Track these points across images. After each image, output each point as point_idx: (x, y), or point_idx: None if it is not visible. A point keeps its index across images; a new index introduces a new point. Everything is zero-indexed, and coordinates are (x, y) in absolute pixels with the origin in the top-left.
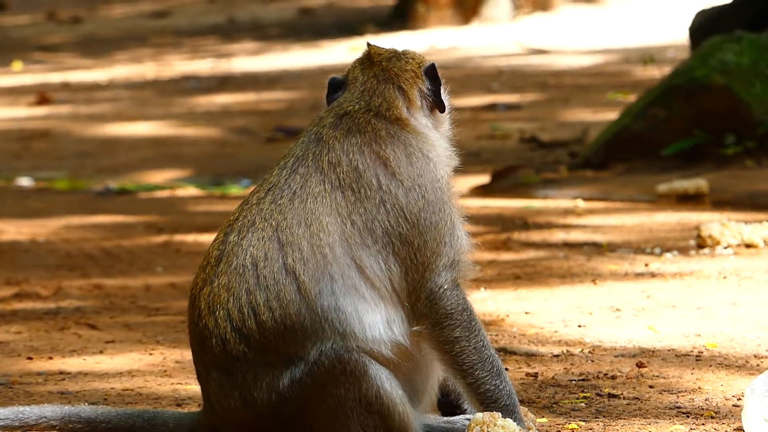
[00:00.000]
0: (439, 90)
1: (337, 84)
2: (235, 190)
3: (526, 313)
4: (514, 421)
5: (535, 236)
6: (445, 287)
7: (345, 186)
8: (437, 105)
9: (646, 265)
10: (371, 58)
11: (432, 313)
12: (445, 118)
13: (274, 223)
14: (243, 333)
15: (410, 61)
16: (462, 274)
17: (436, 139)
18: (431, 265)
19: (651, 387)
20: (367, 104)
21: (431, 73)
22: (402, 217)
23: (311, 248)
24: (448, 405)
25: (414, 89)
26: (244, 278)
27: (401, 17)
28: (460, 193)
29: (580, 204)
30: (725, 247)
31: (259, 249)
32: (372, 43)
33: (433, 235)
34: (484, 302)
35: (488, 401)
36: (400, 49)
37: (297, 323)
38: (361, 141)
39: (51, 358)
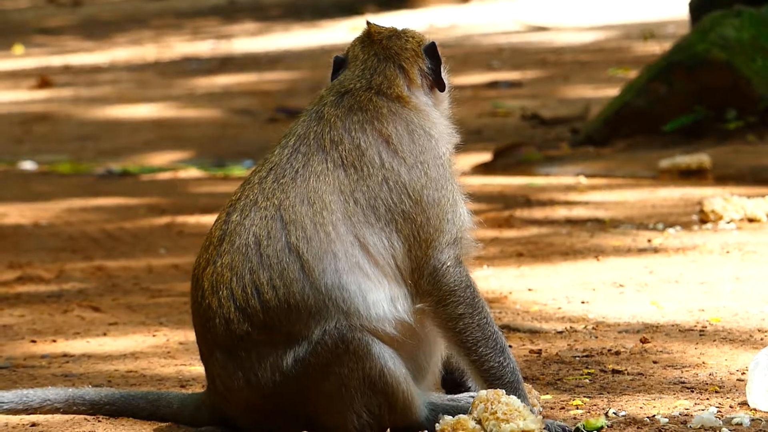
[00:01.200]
0: (440, 69)
1: (341, 62)
2: (238, 171)
3: (529, 290)
4: (518, 398)
5: (538, 213)
6: (448, 264)
7: (347, 164)
8: (437, 83)
9: (649, 240)
10: (371, 37)
11: (435, 290)
12: (445, 96)
13: (276, 201)
14: (247, 312)
15: (410, 39)
16: (465, 251)
17: (436, 116)
18: (434, 242)
19: (655, 362)
20: (368, 82)
21: (431, 51)
22: (405, 194)
23: (314, 226)
24: (452, 382)
25: (414, 68)
26: (247, 257)
27: None
28: (462, 171)
29: (583, 180)
30: (728, 222)
31: (262, 228)
32: (372, 21)
33: (435, 212)
34: (487, 279)
35: (492, 378)
36: (399, 27)
37: (301, 302)
38: (362, 119)
39: (54, 340)
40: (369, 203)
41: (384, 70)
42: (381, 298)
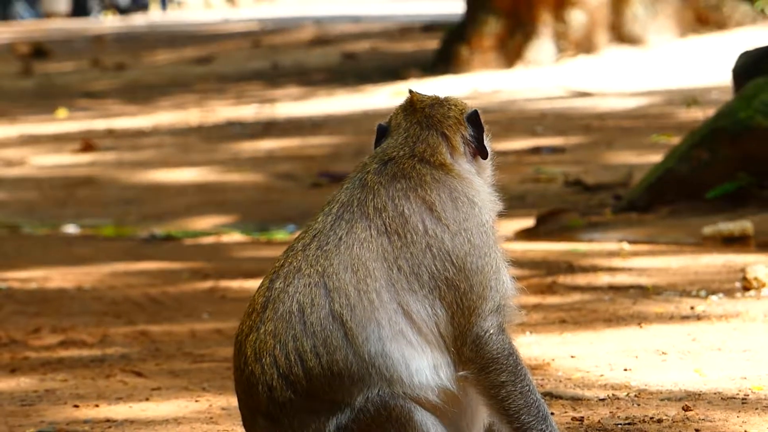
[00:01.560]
0: (482, 136)
1: (384, 130)
2: (281, 235)
3: (572, 356)
4: None
5: (581, 279)
6: (491, 332)
7: (391, 231)
8: (480, 151)
9: (692, 307)
10: (414, 105)
11: (478, 358)
12: (488, 164)
13: (320, 269)
14: (290, 380)
15: (453, 107)
16: (507, 318)
17: (480, 184)
18: (477, 309)
19: (697, 431)
20: (411, 150)
21: (474, 119)
22: (448, 261)
23: (358, 294)
24: None
25: (457, 135)
26: (290, 324)
27: (445, 61)
28: (505, 237)
29: (626, 247)
30: None
31: (306, 295)
32: (414, 88)
33: (479, 279)
34: (530, 346)
35: None
36: (442, 95)
37: (344, 369)
38: (406, 186)
39: (97, 405)
40: (413, 270)
41: (427, 138)
42: (424, 366)
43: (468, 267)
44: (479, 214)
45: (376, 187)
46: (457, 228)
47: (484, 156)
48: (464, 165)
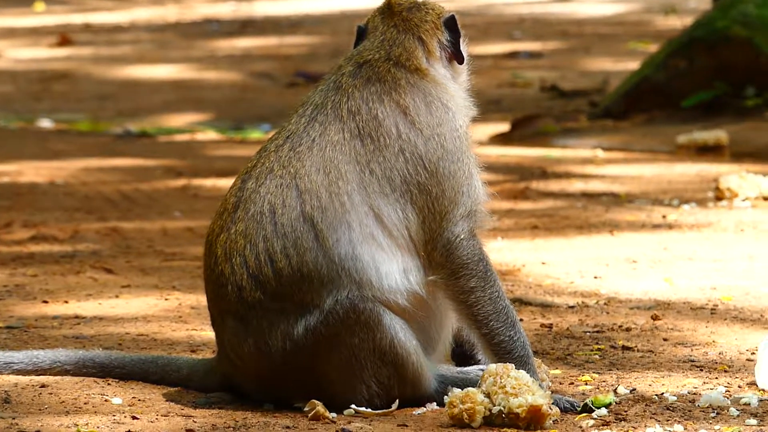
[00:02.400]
0: (459, 41)
1: (363, 32)
2: (255, 134)
3: (543, 263)
4: (528, 372)
5: (554, 186)
6: (462, 237)
7: (364, 134)
8: (456, 56)
9: (664, 216)
10: (392, 8)
11: (448, 263)
12: (463, 68)
13: (292, 170)
14: (259, 280)
15: (430, 11)
16: (479, 224)
17: (454, 89)
18: (448, 214)
19: (665, 340)
20: (387, 54)
21: (451, 24)
22: (421, 166)
23: (329, 196)
24: (462, 355)
25: (434, 40)
26: (261, 225)
27: None
28: (480, 141)
29: (600, 154)
30: (743, 200)
31: (277, 196)
32: None
33: (451, 184)
34: (501, 252)
35: (502, 352)
36: None
37: (314, 271)
38: (380, 90)
39: (66, 301)
40: (385, 174)
41: (403, 41)
42: (394, 270)
43: (440, 172)
44: (453, 119)
45: (350, 89)
46: (430, 132)
47: (460, 61)
48: (440, 70)
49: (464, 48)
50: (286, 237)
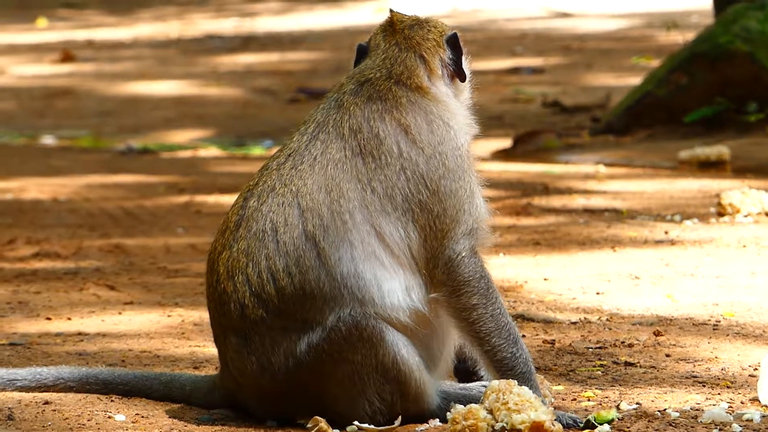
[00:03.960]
0: (461, 59)
1: (364, 50)
2: (257, 150)
3: (545, 279)
4: (530, 388)
5: (556, 201)
6: (463, 254)
7: (365, 153)
8: (458, 74)
9: (666, 232)
10: (393, 26)
11: (450, 281)
12: (465, 86)
13: (294, 188)
14: (262, 298)
15: (432, 29)
16: (480, 241)
17: (456, 107)
18: (450, 232)
19: (668, 356)
20: (388, 72)
21: (453, 42)
22: (422, 185)
23: (331, 215)
24: (465, 371)
25: (435, 58)
26: (263, 244)
27: None
28: (482, 157)
29: (602, 169)
30: (745, 216)
31: (279, 215)
32: (395, 7)
33: (452, 203)
34: (503, 268)
35: (504, 369)
36: (423, 16)
37: (316, 289)
38: (382, 108)
39: (69, 318)
40: (386, 192)
41: (405, 60)
42: (396, 287)
43: (442, 190)
44: (455, 138)
45: (351, 107)
46: (432, 151)
47: (462, 79)
48: (441, 87)
49: (467, 66)
50: (289, 255)
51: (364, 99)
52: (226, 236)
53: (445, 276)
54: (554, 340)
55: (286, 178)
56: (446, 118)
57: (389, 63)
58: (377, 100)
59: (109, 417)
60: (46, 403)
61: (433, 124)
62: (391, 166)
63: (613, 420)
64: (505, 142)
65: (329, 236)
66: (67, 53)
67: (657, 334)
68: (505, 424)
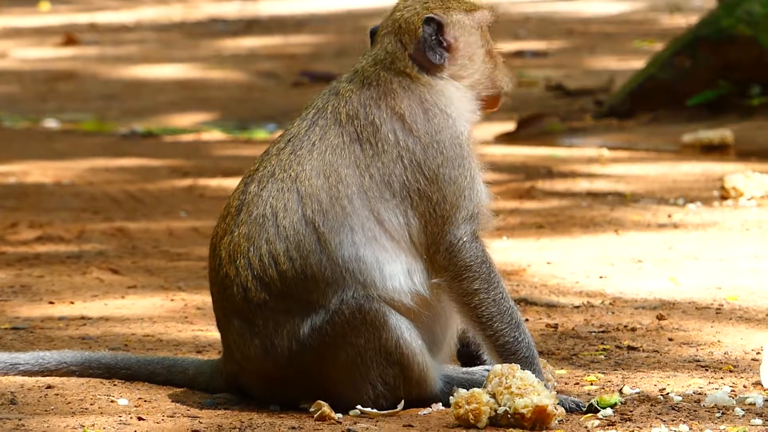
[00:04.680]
0: (433, 42)
1: (374, 34)
2: (261, 134)
3: (548, 263)
4: (533, 373)
5: (559, 185)
6: (465, 239)
7: (363, 139)
8: (428, 58)
9: (669, 215)
10: (394, 9)
11: (451, 266)
12: (469, 69)
13: (293, 174)
14: (264, 281)
15: (418, 12)
16: (481, 226)
17: (452, 91)
18: (450, 218)
19: (670, 340)
20: (374, 58)
21: (430, 23)
22: (420, 173)
23: (330, 200)
24: (468, 355)
25: (413, 42)
26: (264, 228)
27: None
28: (485, 141)
29: (605, 153)
30: (748, 199)
31: (279, 200)
32: None
33: (452, 190)
34: (506, 251)
35: (507, 353)
36: None
37: (318, 273)
38: (375, 95)
39: (72, 302)
40: (384, 179)
41: (387, 45)
42: (398, 271)
43: (441, 178)
44: (453, 126)
45: (348, 94)
46: (429, 140)
47: (435, 61)
48: (432, 71)
49: (439, 52)
50: (289, 240)
51: (359, 85)
52: (228, 221)
53: (447, 261)
54: (557, 324)
55: (286, 164)
56: (443, 105)
57: (378, 48)
58: (369, 86)
59: (112, 401)
60: (49, 387)
61: (429, 113)
62: (388, 153)
63: (615, 404)
64: (509, 126)
65: (329, 221)
66: (70, 36)
67: (660, 318)
68: (507, 408)
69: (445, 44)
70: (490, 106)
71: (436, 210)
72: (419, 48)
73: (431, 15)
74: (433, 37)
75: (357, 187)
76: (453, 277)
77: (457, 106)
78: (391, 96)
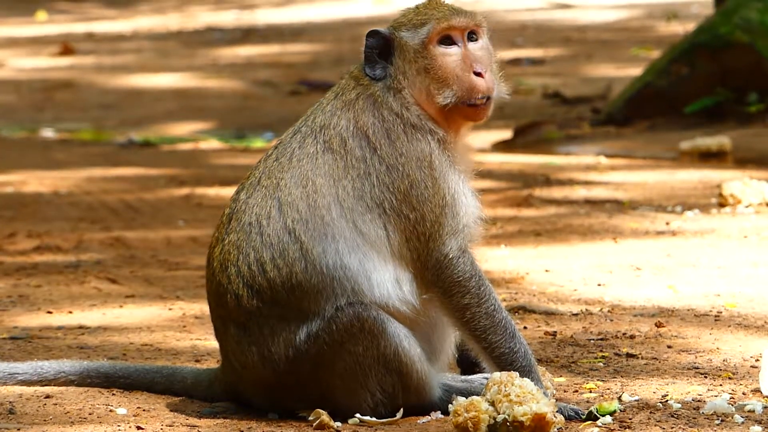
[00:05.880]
0: (373, 56)
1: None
2: (258, 143)
3: (546, 271)
4: (532, 381)
5: (557, 193)
6: (451, 256)
7: (334, 150)
8: (370, 69)
9: (667, 223)
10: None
11: (440, 282)
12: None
13: (275, 181)
14: (255, 289)
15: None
16: (468, 238)
17: (408, 103)
18: (433, 235)
19: (669, 347)
20: (352, 69)
21: (372, 37)
22: (389, 192)
23: (309, 209)
24: (468, 361)
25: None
26: (250, 236)
27: None
28: (482, 149)
29: (603, 160)
30: (746, 206)
31: (263, 208)
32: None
33: (429, 208)
34: (504, 260)
35: (504, 363)
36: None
37: (304, 280)
38: (341, 105)
39: (71, 311)
40: (356, 194)
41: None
42: (385, 279)
43: (413, 200)
44: (417, 146)
45: (324, 103)
46: (393, 162)
47: (370, 73)
48: (391, 85)
49: (377, 66)
50: (273, 248)
51: (333, 95)
52: (220, 230)
53: (435, 277)
54: (556, 332)
55: (270, 171)
56: (403, 122)
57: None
58: (338, 96)
59: (111, 410)
60: (48, 396)
61: (391, 133)
62: (356, 169)
63: (615, 411)
64: (506, 134)
65: (309, 230)
66: (66, 46)
67: (658, 325)
68: (506, 416)
69: (391, 59)
70: (472, 117)
71: (417, 228)
72: (374, 59)
73: (376, 29)
74: (376, 52)
75: (332, 198)
76: (443, 293)
77: (423, 122)
78: (353, 108)
